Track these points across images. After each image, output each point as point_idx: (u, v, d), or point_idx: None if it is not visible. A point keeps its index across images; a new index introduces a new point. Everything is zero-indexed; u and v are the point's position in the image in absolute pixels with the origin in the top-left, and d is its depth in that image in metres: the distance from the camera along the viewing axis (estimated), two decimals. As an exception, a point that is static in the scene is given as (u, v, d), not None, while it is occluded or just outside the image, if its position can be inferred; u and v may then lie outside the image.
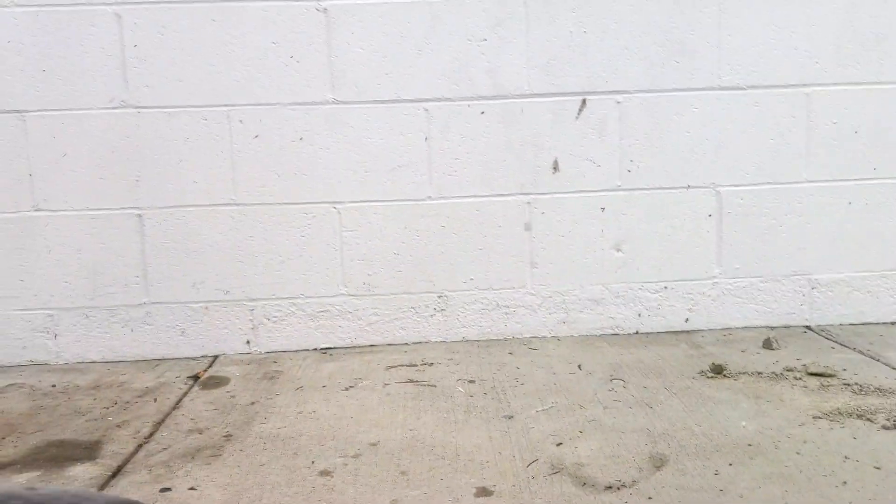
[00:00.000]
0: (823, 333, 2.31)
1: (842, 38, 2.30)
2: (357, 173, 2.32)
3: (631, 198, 2.36)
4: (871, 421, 1.63)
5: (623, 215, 2.37)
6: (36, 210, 2.29)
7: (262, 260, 2.33)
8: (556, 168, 2.34)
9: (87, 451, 1.66)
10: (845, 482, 1.37)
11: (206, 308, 2.34)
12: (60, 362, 2.33)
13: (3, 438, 1.75)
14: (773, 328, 2.38)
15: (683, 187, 2.37)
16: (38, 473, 1.55)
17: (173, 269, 2.32)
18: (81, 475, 1.53)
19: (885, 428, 1.59)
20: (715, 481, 1.39)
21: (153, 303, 2.34)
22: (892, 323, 2.39)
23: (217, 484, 1.45)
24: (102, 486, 1.47)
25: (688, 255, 2.38)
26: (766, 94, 2.32)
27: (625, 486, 1.38)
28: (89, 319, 2.33)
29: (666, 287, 2.39)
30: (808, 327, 2.37)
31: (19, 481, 1.51)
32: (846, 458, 1.46)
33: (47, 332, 2.33)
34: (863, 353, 2.10)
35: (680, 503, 1.31)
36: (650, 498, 1.34)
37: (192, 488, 1.44)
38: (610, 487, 1.38)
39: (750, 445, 1.53)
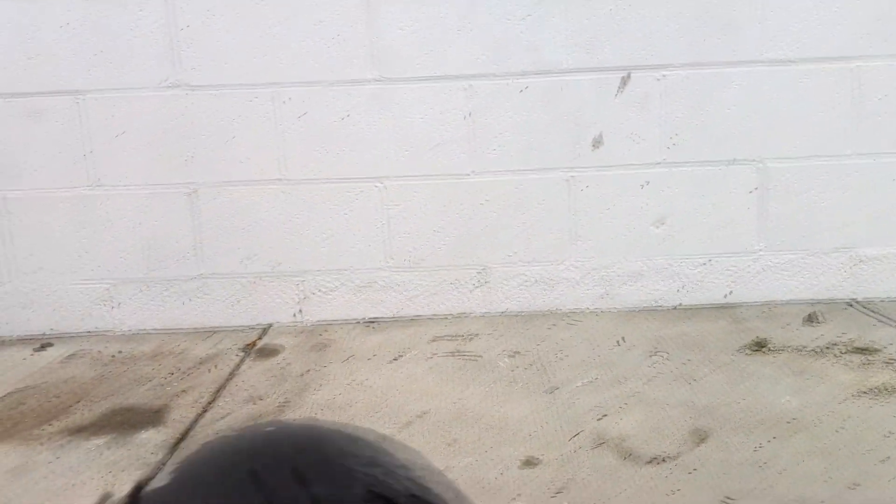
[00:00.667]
0: (867, 309, 2.32)
1: (889, 11, 2.27)
2: (400, 150, 2.36)
3: (673, 173, 2.38)
4: (914, 397, 1.65)
5: (665, 190, 2.38)
6: (94, 187, 2.38)
7: (310, 235, 2.40)
8: (598, 143, 2.36)
9: (153, 417, 1.76)
10: (888, 458, 1.40)
11: (257, 280, 2.43)
12: (121, 332, 2.44)
13: (75, 404, 1.85)
14: (815, 303, 2.39)
15: (727, 162, 2.37)
16: (111, 437, 1.65)
17: (225, 243, 2.41)
18: (149, 440, 1.63)
19: (927, 404, 1.61)
20: (757, 455, 1.43)
21: (207, 275, 2.43)
22: (938, 298, 2.38)
23: (277, 451, 1.53)
24: (170, 451, 1.56)
25: (730, 229, 2.39)
26: (811, 68, 2.30)
27: (667, 460, 1.43)
28: (147, 291, 2.44)
29: (708, 261, 2.41)
30: (851, 302, 2.38)
31: (95, 444, 1.61)
32: (889, 433, 1.49)
33: (108, 303, 2.44)
34: (907, 329, 2.10)
35: (722, 476, 1.36)
36: (693, 471, 1.39)
37: (254, 454, 1.53)
38: (653, 460, 1.43)
39: (792, 421, 1.57)
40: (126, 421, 1.73)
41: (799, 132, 2.34)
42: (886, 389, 1.69)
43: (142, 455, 1.54)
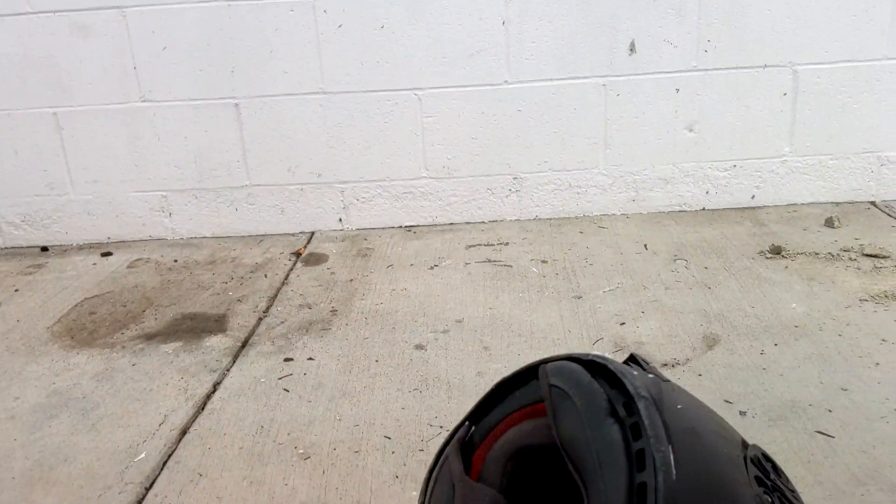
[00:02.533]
0: (886, 210, 2.39)
1: None
2: (436, 60, 2.42)
3: (706, 78, 2.41)
4: (916, 305, 1.76)
5: (697, 96, 2.43)
6: (143, 101, 2.51)
7: (350, 145, 2.52)
8: (632, 50, 2.39)
9: (217, 323, 1.96)
10: (878, 364, 1.54)
11: (302, 189, 2.58)
12: (176, 237, 2.64)
13: (145, 311, 2.07)
14: (838, 204, 2.47)
15: (760, 66, 2.39)
16: (181, 343, 1.86)
17: (270, 154, 2.54)
18: (217, 345, 1.83)
19: (927, 312, 1.73)
20: (759, 360, 1.58)
21: (254, 185, 2.58)
22: (961, 199, 2.44)
23: (330, 355, 1.73)
24: (235, 356, 1.77)
25: (760, 134, 2.45)
26: (849, -30, 2.26)
27: (678, 364, 1.59)
28: (198, 200, 2.61)
29: (735, 165, 2.48)
30: (872, 203, 2.45)
31: (166, 351, 1.83)
32: (883, 340, 1.62)
33: (163, 211, 2.62)
34: (923, 233, 2.19)
35: (726, 380, 1.52)
36: (700, 375, 1.54)
37: (310, 358, 1.73)
38: (666, 365, 1.59)
39: (796, 327, 1.71)
40: (192, 328, 1.94)
41: (834, 35, 2.34)
42: (889, 296, 1.81)
43: (209, 361, 1.75)
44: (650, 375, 0.75)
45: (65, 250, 2.59)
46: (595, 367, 0.75)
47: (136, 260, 2.46)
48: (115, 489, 1.31)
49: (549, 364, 0.80)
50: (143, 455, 1.40)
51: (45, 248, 2.64)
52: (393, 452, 1.36)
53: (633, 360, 0.82)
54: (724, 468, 0.66)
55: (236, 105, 2.50)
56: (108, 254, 2.54)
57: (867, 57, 2.35)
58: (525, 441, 0.81)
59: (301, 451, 1.38)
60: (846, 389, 1.46)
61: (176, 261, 2.43)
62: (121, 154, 2.55)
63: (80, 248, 2.61)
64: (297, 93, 2.48)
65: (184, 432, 1.47)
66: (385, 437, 1.41)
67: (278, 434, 1.44)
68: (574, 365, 0.77)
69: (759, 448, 0.74)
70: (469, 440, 0.85)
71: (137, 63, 2.47)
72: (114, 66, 2.46)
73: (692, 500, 0.61)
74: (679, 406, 0.70)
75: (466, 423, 0.87)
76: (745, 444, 0.72)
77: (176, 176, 2.58)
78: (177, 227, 2.64)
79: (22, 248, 2.64)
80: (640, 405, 0.67)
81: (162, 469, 1.36)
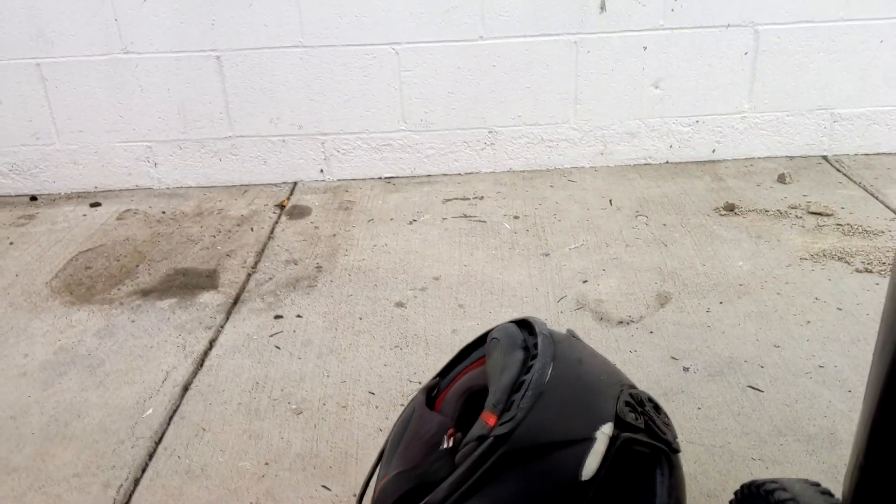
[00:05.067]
0: (836, 165, 2.55)
1: None
2: (413, 15, 2.49)
3: (672, 36, 2.51)
4: (849, 263, 1.94)
5: (664, 54, 2.53)
6: (125, 52, 2.56)
7: (331, 98, 2.60)
8: (602, 8, 2.47)
9: (209, 279, 2.10)
10: (809, 321, 1.72)
11: (284, 141, 2.67)
12: (162, 187, 2.73)
13: (138, 266, 2.19)
14: (792, 158, 2.62)
15: (723, 26, 2.49)
16: (176, 300, 2.00)
17: (252, 106, 2.62)
18: (210, 302, 1.97)
19: (857, 271, 1.91)
20: (705, 318, 1.76)
21: (237, 136, 2.67)
22: (906, 154, 2.60)
23: (317, 312, 1.88)
24: (228, 313, 1.92)
25: (721, 91, 2.57)
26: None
27: (633, 322, 1.76)
28: (183, 150, 2.69)
29: (697, 121, 2.61)
30: (824, 158, 2.61)
31: (162, 307, 1.97)
32: (816, 299, 1.80)
33: (148, 161, 2.71)
34: (865, 189, 2.35)
35: (674, 337, 1.70)
36: (651, 332, 1.72)
37: (298, 315, 1.88)
38: (621, 322, 1.76)
39: (741, 285, 1.88)
40: (186, 284, 2.07)
41: (794, -4, 2.43)
42: (827, 254, 1.98)
43: (204, 318, 1.89)
44: (564, 331, 1.07)
45: (53, 200, 2.68)
46: (525, 323, 1.05)
47: (124, 211, 2.56)
48: (127, 443, 1.48)
49: (495, 328, 1.09)
50: (150, 411, 1.56)
51: (34, 198, 2.72)
52: (377, 407, 1.54)
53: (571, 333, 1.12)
54: (594, 385, 0.95)
55: (218, 58, 2.56)
56: (97, 204, 2.64)
57: (824, 18, 2.45)
58: (472, 383, 1.08)
59: (294, 406, 1.55)
60: (778, 346, 1.65)
61: (164, 212, 2.53)
62: (105, 105, 2.61)
63: (69, 197, 2.70)
64: (278, 46, 2.54)
65: (185, 388, 1.63)
66: (369, 392, 1.58)
67: (272, 390, 1.61)
68: (509, 324, 1.07)
69: (646, 393, 0.99)
70: (435, 389, 1.12)
71: (118, 14, 2.51)
72: (95, 17, 2.50)
73: (557, 394, 0.91)
74: (574, 346, 1.01)
75: (436, 377, 1.14)
76: (631, 385, 0.99)
77: (160, 127, 2.65)
78: (162, 176, 2.73)
79: (11, 196, 2.72)
80: (539, 339, 0.98)
81: (168, 424, 1.53)
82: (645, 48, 2.52)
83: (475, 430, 0.91)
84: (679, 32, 2.49)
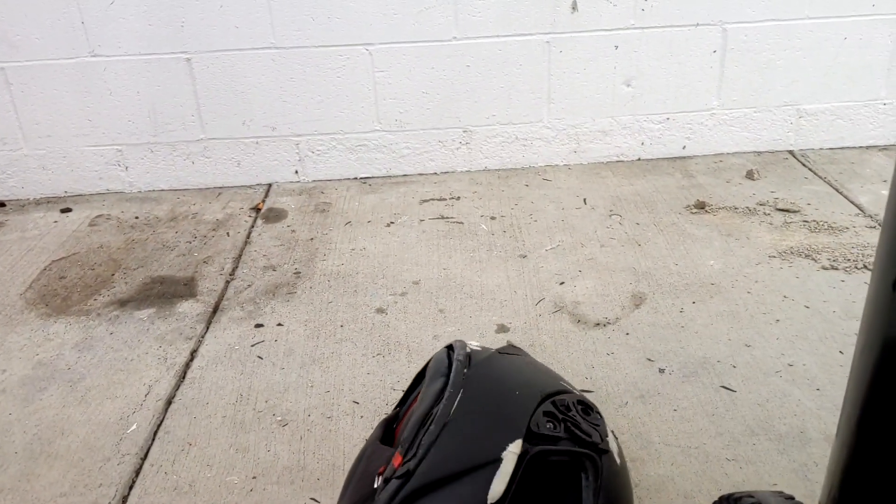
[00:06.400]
0: (802, 159, 2.61)
1: None
2: (386, 16, 2.49)
3: (643, 36, 2.54)
4: (815, 261, 2.00)
5: (635, 53, 2.56)
6: (93, 56, 2.52)
7: (304, 99, 2.59)
8: (574, 8, 2.49)
9: (186, 287, 2.09)
10: (778, 320, 1.78)
11: (257, 143, 2.66)
12: (134, 191, 2.71)
13: (114, 275, 2.18)
14: (759, 153, 2.68)
15: (693, 25, 2.53)
16: (154, 310, 2.00)
17: (224, 108, 2.61)
18: (189, 311, 1.97)
19: (824, 268, 1.97)
20: (679, 318, 1.81)
21: (209, 138, 2.65)
22: (866, 147, 2.67)
23: (298, 320, 1.89)
24: (208, 323, 1.92)
25: (691, 88, 2.61)
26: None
27: (609, 323, 1.80)
28: (154, 153, 2.67)
29: (668, 118, 2.66)
30: (790, 153, 2.67)
31: (141, 318, 1.96)
32: (785, 297, 1.86)
33: (119, 164, 2.68)
34: (830, 185, 2.42)
35: (649, 339, 1.74)
36: (627, 334, 1.76)
37: (279, 324, 1.89)
38: (598, 324, 1.80)
39: (712, 284, 1.93)
40: (163, 293, 2.07)
41: (761, -5, 2.48)
42: (795, 252, 2.04)
43: (184, 328, 1.90)
44: (492, 350, 1.11)
45: (23, 205, 2.65)
46: (457, 344, 1.09)
47: (96, 216, 2.53)
48: (113, 461, 1.48)
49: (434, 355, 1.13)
50: (134, 427, 1.57)
51: (2, 204, 2.68)
52: (361, 417, 1.56)
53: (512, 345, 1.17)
54: (507, 404, 0.97)
55: (188, 60, 2.54)
56: (68, 210, 2.61)
57: (790, 16, 2.50)
58: (423, 409, 1.11)
59: (279, 418, 1.57)
60: (749, 346, 1.70)
61: (137, 217, 2.52)
62: (73, 109, 2.58)
63: (38, 202, 2.67)
64: (249, 48, 2.53)
65: (169, 402, 1.64)
66: (354, 402, 1.60)
67: (257, 402, 1.62)
68: (442, 349, 1.11)
69: (576, 396, 1.02)
70: (395, 417, 1.14)
71: (85, 17, 2.47)
72: (60, 20, 2.46)
73: (464, 422, 0.93)
74: (495, 364, 1.05)
75: (396, 408, 1.16)
76: (560, 392, 1.02)
77: (130, 130, 2.63)
78: (134, 180, 2.70)
79: (-21, 203, 2.68)
80: (453, 366, 1.01)
81: (153, 439, 1.53)
82: (616, 47, 2.55)
83: (387, 472, 0.92)
84: (650, 32, 2.53)
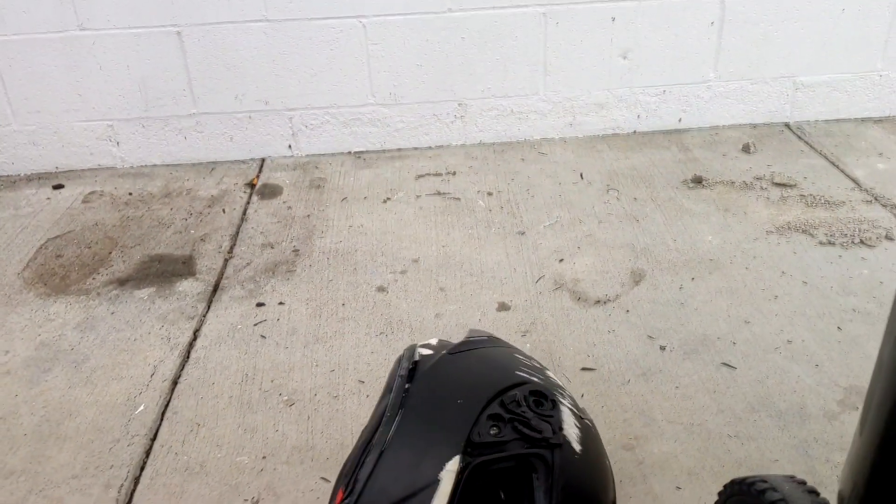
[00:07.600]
0: (798, 132, 2.62)
1: None
2: (379, -12, 2.45)
3: (640, 7, 2.52)
4: (812, 236, 2.02)
5: (631, 24, 2.54)
6: (81, 29, 2.48)
7: (297, 73, 2.56)
8: (568, -21, 2.46)
9: (185, 266, 2.09)
10: (777, 296, 1.80)
11: (250, 117, 2.63)
12: (126, 166, 2.68)
13: (111, 253, 2.16)
14: (755, 126, 2.68)
15: (689, -4, 2.51)
16: (154, 289, 1.99)
17: (216, 82, 2.57)
18: (189, 290, 1.97)
19: (821, 244, 1.99)
20: (679, 295, 1.83)
21: (201, 113, 2.62)
22: (862, 119, 2.68)
23: (299, 299, 1.90)
24: (209, 302, 1.92)
25: (688, 61, 2.60)
26: None
27: (609, 301, 1.82)
28: (146, 129, 2.64)
29: (664, 91, 2.65)
30: (786, 125, 2.67)
31: (141, 297, 1.96)
32: (783, 273, 1.88)
33: (110, 140, 2.65)
34: (826, 158, 2.43)
35: (650, 316, 1.76)
36: (628, 311, 1.78)
37: (280, 303, 1.89)
38: (598, 302, 1.82)
39: (711, 260, 1.95)
40: (162, 271, 2.06)
41: (758, -34, 2.46)
42: (792, 227, 2.06)
43: (185, 308, 1.89)
44: (442, 353, 1.08)
45: (14, 182, 2.61)
46: (406, 353, 1.08)
47: (89, 193, 2.51)
48: (123, 442, 1.49)
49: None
50: (142, 407, 1.57)
51: (-7, 180, 2.65)
52: (367, 396, 1.57)
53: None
54: (447, 418, 0.95)
55: (178, 33, 2.49)
56: (60, 186, 2.58)
57: (789, -12, 2.49)
58: (364, 436, 1.10)
59: (285, 397, 1.58)
60: (749, 322, 1.72)
61: (131, 193, 2.49)
62: (62, 83, 2.54)
63: (29, 178, 2.63)
64: (241, 20, 2.49)
65: (175, 383, 1.64)
66: (359, 381, 1.61)
67: (262, 381, 1.63)
68: (396, 360, 1.09)
69: (532, 386, 1.00)
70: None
71: (71, -11, 2.41)
72: (47, -7, 2.41)
73: (400, 447, 0.91)
74: (441, 370, 1.03)
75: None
76: (514, 386, 0.99)
77: (121, 105, 2.59)
78: (125, 155, 2.67)
79: (-31, 180, 2.64)
80: (395, 383, 1.01)
81: (162, 420, 1.54)
82: (613, 19, 2.53)
83: None
84: (647, 3, 2.51)
